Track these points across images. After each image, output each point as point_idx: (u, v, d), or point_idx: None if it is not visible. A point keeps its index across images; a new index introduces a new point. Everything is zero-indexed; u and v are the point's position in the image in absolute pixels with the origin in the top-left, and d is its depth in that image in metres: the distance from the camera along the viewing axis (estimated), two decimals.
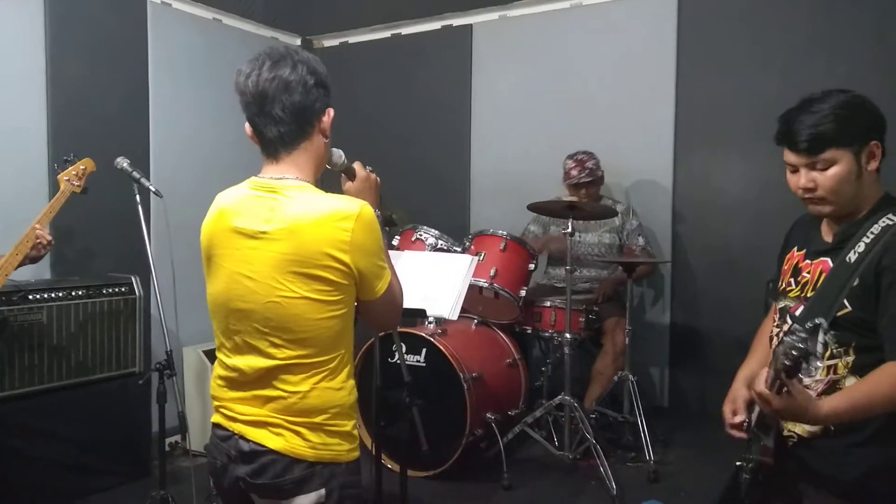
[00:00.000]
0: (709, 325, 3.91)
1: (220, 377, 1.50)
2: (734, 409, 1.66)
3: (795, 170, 1.56)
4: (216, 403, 1.50)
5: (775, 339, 1.66)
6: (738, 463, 1.56)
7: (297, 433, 1.40)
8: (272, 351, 1.40)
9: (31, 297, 2.92)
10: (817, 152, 1.50)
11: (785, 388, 1.34)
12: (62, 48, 3.46)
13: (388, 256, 1.49)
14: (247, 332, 1.42)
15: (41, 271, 3.33)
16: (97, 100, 3.61)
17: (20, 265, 2.50)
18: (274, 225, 1.38)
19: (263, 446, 1.40)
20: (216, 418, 1.50)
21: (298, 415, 1.40)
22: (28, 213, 2.58)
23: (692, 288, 3.99)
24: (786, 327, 1.51)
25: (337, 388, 1.43)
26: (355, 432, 1.48)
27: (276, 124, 1.41)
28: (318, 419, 1.41)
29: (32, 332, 2.92)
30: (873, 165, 1.52)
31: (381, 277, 1.45)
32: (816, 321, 1.35)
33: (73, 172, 2.69)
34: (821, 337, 1.30)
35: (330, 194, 1.42)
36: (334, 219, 1.36)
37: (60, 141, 3.40)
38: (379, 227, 1.43)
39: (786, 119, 1.55)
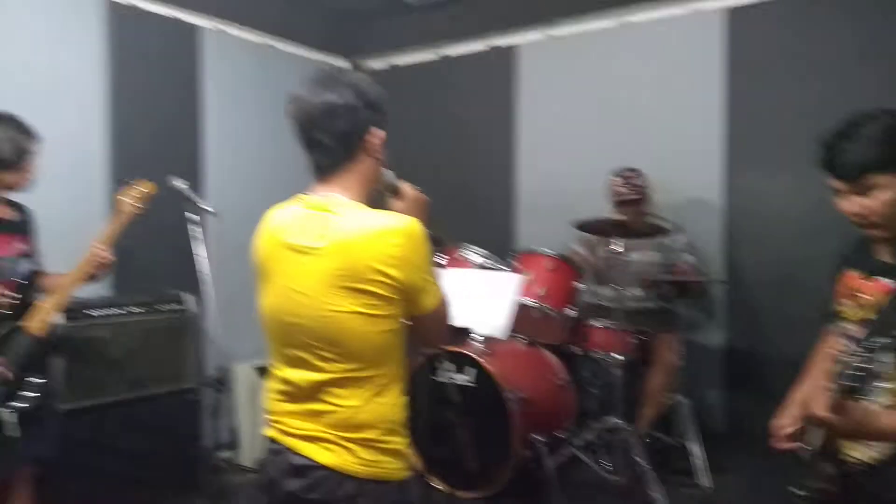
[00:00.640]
0: (767, 347, 3.78)
1: (275, 391, 1.52)
2: (783, 425, 1.61)
3: (840, 193, 1.53)
4: (270, 417, 1.52)
5: (834, 360, 1.60)
6: (796, 492, 1.50)
7: (348, 449, 1.41)
8: (323, 365, 1.42)
9: (92, 313, 3.02)
10: (862, 180, 1.47)
11: (845, 408, 1.30)
12: (122, 73, 3.62)
13: (437, 273, 1.49)
14: (298, 345, 1.44)
15: (100, 288, 3.45)
16: (155, 123, 3.76)
17: (85, 283, 2.58)
18: (325, 241, 1.40)
19: (314, 461, 1.41)
20: (270, 432, 1.52)
21: (350, 430, 1.41)
22: (89, 235, 2.67)
23: (749, 307, 3.87)
24: (847, 348, 1.46)
25: (388, 403, 1.44)
26: (406, 451, 1.48)
27: (323, 148, 1.45)
28: (369, 435, 1.42)
29: (93, 347, 3.01)
30: None
31: (431, 293, 1.46)
32: (879, 341, 1.30)
33: (134, 195, 2.77)
34: (885, 358, 1.25)
35: (378, 211, 1.44)
36: (384, 234, 1.37)
37: (121, 163, 3.54)
38: (428, 244, 1.44)
39: (827, 146, 1.52)
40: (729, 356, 3.91)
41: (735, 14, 3.84)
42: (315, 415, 1.43)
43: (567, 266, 3.47)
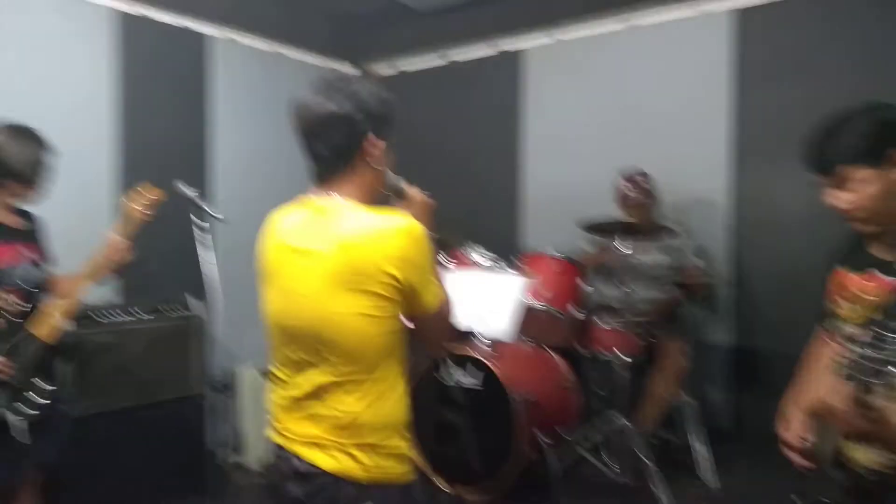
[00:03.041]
0: (774, 347, 3.77)
1: (278, 396, 1.53)
2: (787, 427, 1.58)
3: (828, 190, 1.53)
4: (274, 422, 1.53)
5: (838, 362, 1.58)
6: (797, 501, 1.48)
7: (351, 454, 1.41)
8: (325, 367, 1.42)
9: (100, 318, 3.06)
10: (843, 173, 1.47)
11: (867, 408, 1.27)
12: (130, 81, 3.67)
13: (439, 274, 1.50)
14: (301, 348, 1.45)
15: (109, 294, 3.48)
16: (163, 130, 3.80)
17: (102, 277, 2.57)
18: (327, 243, 1.40)
19: (317, 467, 1.41)
20: (274, 437, 1.52)
21: (352, 435, 1.41)
22: (95, 241, 2.68)
23: (755, 308, 3.87)
24: (853, 348, 1.44)
25: (391, 407, 1.44)
26: (410, 454, 1.48)
27: (319, 159, 1.46)
28: (371, 439, 1.41)
29: (102, 353, 3.04)
30: None
31: (433, 293, 1.45)
32: (885, 333, 1.28)
33: (142, 201, 2.79)
34: (892, 345, 1.22)
35: (379, 211, 1.44)
36: (385, 234, 1.38)
37: (130, 171, 3.58)
38: (430, 244, 1.44)
39: (811, 143, 1.53)
40: (735, 356, 3.90)
41: (742, 15, 3.83)
42: (317, 419, 1.43)
43: (573, 267, 3.48)
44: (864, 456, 1.47)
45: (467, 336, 3.23)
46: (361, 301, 1.38)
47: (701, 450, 3.25)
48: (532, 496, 3.22)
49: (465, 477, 3.06)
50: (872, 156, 1.45)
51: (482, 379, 3.22)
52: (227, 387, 2.69)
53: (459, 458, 3.05)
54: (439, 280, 1.49)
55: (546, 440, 3.22)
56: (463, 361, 3.26)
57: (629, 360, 3.27)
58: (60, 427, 2.51)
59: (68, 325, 2.65)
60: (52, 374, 2.49)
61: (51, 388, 2.41)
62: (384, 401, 1.44)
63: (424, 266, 1.43)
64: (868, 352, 1.22)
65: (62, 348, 2.62)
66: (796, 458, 1.55)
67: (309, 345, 1.43)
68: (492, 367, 3.18)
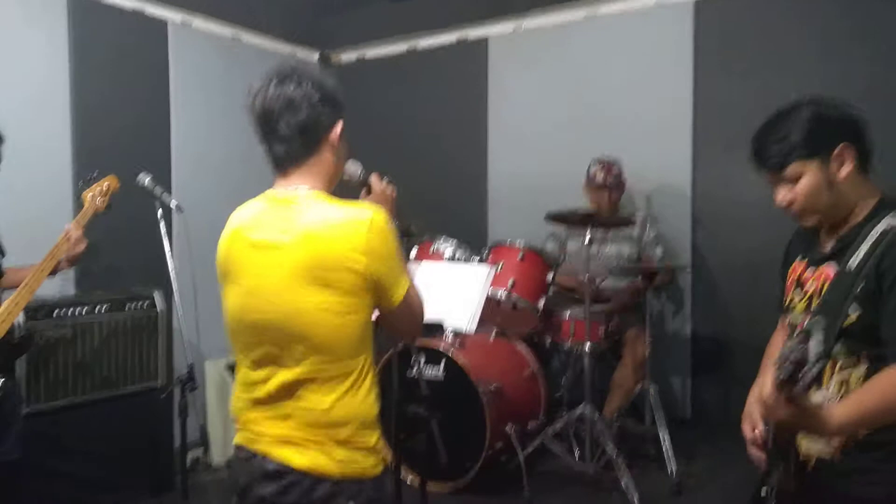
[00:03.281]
0: (731, 334, 3.86)
1: (242, 396, 1.50)
2: (752, 425, 1.59)
3: (774, 186, 1.56)
4: (238, 424, 1.50)
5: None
6: (761, 490, 1.49)
7: (323, 450, 1.39)
8: (291, 363, 1.40)
9: (55, 312, 2.97)
10: (782, 168, 1.50)
11: (792, 397, 1.29)
12: (85, 68, 3.55)
13: (405, 265, 1.49)
14: (267, 344, 1.43)
15: (66, 287, 3.39)
16: (119, 118, 3.68)
17: (56, 270, 2.53)
18: (289, 235, 1.39)
19: (289, 465, 1.39)
20: (238, 439, 1.49)
21: (323, 429, 1.39)
22: (53, 232, 2.62)
23: (713, 296, 3.95)
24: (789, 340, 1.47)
25: (360, 400, 1.43)
26: (379, 446, 1.47)
27: (282, 142, 1.44)
28: (343, 433, 1.40)
29: (58, 347, 2.96)
30: (846, 170, 1.48)
31: (399, 284, 1.44)
32: (807, 327, 1.30)
33: (98, 190, 2.73)
34: (813, 342, 1.25)
35: (342, 202, 1.43)
36: (348, 226, 1.37)
37: (84, 159, 3.47)
38: (394, 235, 1.43)
39: (754, 140, 1.56)
40: (695, 344, 3.98)
41: (703, 5, 3.88)
42: (286, 416, 1.41)
43: (538, 257, 3.50)
44: (811, 445, 1.51)
45: (432, 327, 3.22)
46: (326, 294, 1.36)
47: (663, 437, 3.30)
48: (498, 486, 3.24)
49: (431, 468, 3.07)
50: (809, 149, 1.48)
51: (447, 370, 3.23)
52: (191, 381, 2.64)
53: (425, 449, 3.05)
54: (406, 271, 1.48)
55: (511, 429, 3.24)
56: (427, 352, 3.27)
57: (593, 348, 3.30)
58: (11, 422, 2.44)
59: (22, 319, 2.58)
60: (4, 368, 2.41)
61: (2, 381, 2.34)
62: (354, 394, 1.42)
63: (390, 258, 1.41)
64: (792, 343, 1.24)
65: (15, 342, 2.54)
66: (758, 456, 1.56)
67: (275, 340, 1.41)
68: (456, 358, 3.19)
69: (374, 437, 1.46)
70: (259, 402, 1.45)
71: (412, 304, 1.49)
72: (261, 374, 1.45)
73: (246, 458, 1.46)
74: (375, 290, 1.41)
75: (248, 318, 1.45)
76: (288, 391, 1.41)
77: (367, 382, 1.45)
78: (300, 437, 1.40)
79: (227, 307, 1.50)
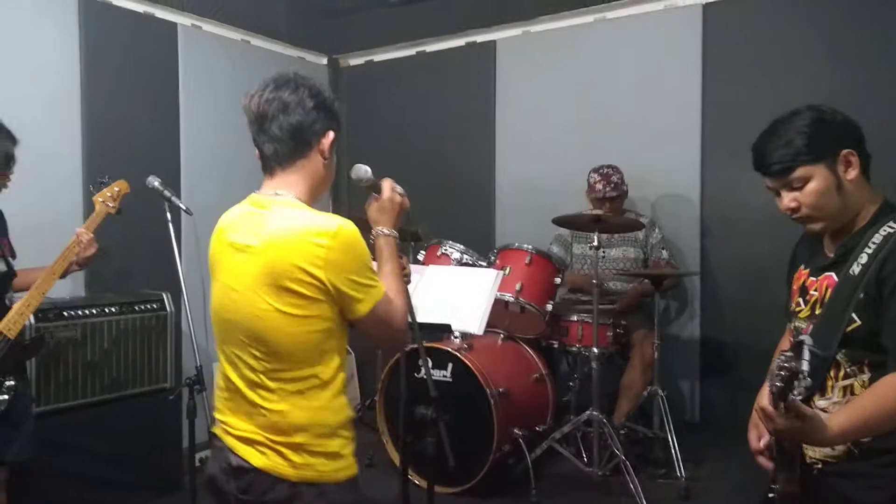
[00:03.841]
0: (740, 338, 3.84)
1: (219, 389, 1.54)
2: (759, 434, 1.59)
3: (778, 193, 1.55)
4: (215, 414, 1.54)
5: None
6: (770, 494, 1.49)
7: (279, 452, 1.41)
8: (253, 363, 1.43)
9: (66, 313, 2.99)
10: (788, 172, 1.50)
11: (788, 408, 1.28)
12: (96, 71, 3.57)
13: (376, 277, 1.46)
14: (235, 343, 1.46)
15: (76, 289, 3.41)
16: (130, 122, 3.71)
17: (67, 272, 2.56)
18: (258, 239, 1.42)
19: (248, 463, 1.42)
20: (215, 428, 1.53)
21: (279, 433, 1.41)
22: (64, 234, 2.64)
23: (722, 300, 3.93)
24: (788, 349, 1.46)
25: (320, 407, 1.43)
26: (344, 451, 1.46)
27: (272, 141, 1.46)
28: (299, 439, 1.41)
29: (67, 348, 2.98)
30: (852, 174, 1.49)
31: (366, 297, 1.42)
32: (801, 338, 1.30)
33: (108, 194, 2.75)
34: (805, 353, 1.25)
35: (313, 211, 1.45)
36: (309, 234, 1.37)
37: (95, 163, 3.49)
38: (363, 247, 1.42)
39: (756, 145, 1.56)
40: (703, 347, 3.96)
41: (711, 9, 3.88)
42: (249, 415, 1.44)
43: (545, 261, 3.50)
44: (815, 449, 1.50)
45: (440, 329, 3.23)
46: (284, 298, 1.38)
47: (671, 441, 3.29)
48: (505, 489, 3.24)
49: (438, 470, 3.06)
50: (814, 153, 1.48)
51: (454, 371, 3.23)
52: (199, 383, 2.66)
53: (432, 451, 3.05)
54: (375, 282, 1.45)
55: (519, 432, 3.24)
56: (436, 355, 3.27)
57: (600, 352, 3.30)
58: (22, 423, 2.46)
59: (32, 320, 2.60)
60: (16, 369, 2.43)
61: (10, 383, 2.36)
62: (312, 400, 1.42)
63: (352, 269, 1.39)
64: (788, 353, 1.24)
65: (26, 343, 2.57)
66: (763, 461, 1.57)
67: (239, 340, 1.44)
68: (464, 360, 3.19)
69: (334, 443, 1.44)
70: (230, 398, 1.49)
71: (382, 317, 1.45)
72: (230, 371, 1.48)
73: (220, 448, 1.49)
74: (337, 300, 1.40)
75: (223, 316, 1.49)
76: (249, 391, 1.44)
77: (330, 391, 1.44)
78: (259, 437, 1.42)
79: (211, 302, 1.54)
